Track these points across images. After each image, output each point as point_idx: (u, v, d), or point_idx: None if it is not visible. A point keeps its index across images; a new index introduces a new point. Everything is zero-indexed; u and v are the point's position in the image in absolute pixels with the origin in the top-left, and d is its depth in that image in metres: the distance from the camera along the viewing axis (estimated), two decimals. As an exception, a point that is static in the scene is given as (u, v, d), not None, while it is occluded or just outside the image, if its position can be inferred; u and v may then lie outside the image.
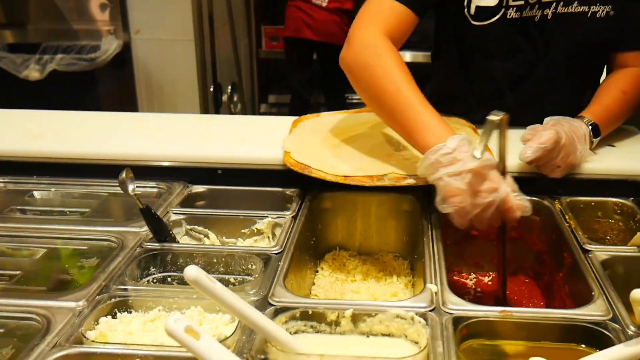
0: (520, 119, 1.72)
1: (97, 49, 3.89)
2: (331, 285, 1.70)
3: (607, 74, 2.05)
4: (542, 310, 1.35)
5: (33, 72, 3.81)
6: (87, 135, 2.06)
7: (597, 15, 1.90)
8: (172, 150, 1.95)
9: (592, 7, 1.89)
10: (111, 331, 1.26)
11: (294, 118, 2.11)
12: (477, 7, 1.90)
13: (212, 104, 4.32)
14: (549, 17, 1.91)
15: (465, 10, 1.92)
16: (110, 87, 4.08)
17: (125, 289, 1.35)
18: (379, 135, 1.91)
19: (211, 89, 4.28)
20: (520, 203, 1.45)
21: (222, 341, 1.14)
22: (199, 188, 1.85)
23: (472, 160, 1.42)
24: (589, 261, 1.48)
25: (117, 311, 1.31)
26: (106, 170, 1.84)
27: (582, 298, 1.36)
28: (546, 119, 1.78)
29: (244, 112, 4.71)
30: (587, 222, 1.73)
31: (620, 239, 1.72)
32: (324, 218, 1.81)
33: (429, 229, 1.62)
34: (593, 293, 1.34)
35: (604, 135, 1.87)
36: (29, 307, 1.28)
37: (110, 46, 3.92)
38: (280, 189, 1.84)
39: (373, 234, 1.84)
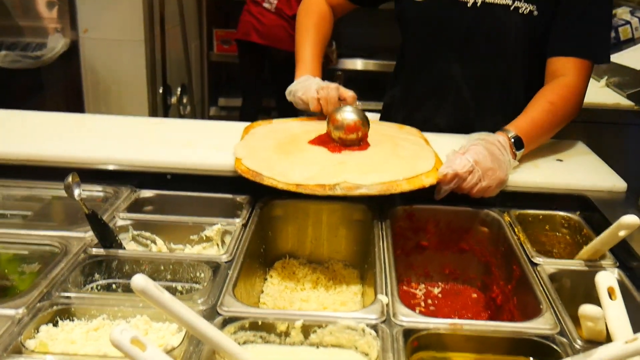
0: (444, 101, 2.21)
1: (44, 46, 3.80)
2: (280, 294, 1.68)
3: (545, 83, 2.11)
4: (491, 323, 1.35)
5: (-25, 68, 3.71)
6: (30, 136, 2.00)
7: (520, 11, 2.05)
8: (120, 153, 1.90)
9: (516, 2, 2.06)
10: (52, 340, 1.22)
11: (245, 124, 2.09)
12: None
13: (161, 106, 4.26)
14: (477, 5, 2.09)
15: None
16: (56, 86, 3.99)
17: (68, 296, 1.30)
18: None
19: (160, 91, 4.22)
20: (349, 92, 2.00)
21: (169, 352, 1.11)
22: (147, 193, 1.81)
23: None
24: (537, 274, 1.50)
25: (58, 319, 1.26)
26: (50, 172, 1.78)
27: (530, 311, 1.37)
28: (464, 141, 1.82)
29: (193, 114, 4.66)
30: (535, 235, 1.75)
31: (567, 252, 1.74)
32: (275, 226, 1.79)
33: (380, 239, 1.62)
34: (541, 306, 1.35)
35: (533, 147, 1.93)
36: (-36, 315, 1.23)
37: (57, 44, 3.84)
38: (230, 196, 1.81)
39: (324, 243, 1.82)
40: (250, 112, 4.89)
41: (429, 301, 1.75)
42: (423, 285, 1.81)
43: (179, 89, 4.42)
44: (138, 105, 4.14)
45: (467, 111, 2.19)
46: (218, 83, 5.72)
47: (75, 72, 4.03)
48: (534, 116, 1.94)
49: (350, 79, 5.19)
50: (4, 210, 1.78)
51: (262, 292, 1.68)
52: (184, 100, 4.50)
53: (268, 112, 5.16)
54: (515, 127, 1.89)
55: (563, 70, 2.03)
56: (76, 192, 1.44)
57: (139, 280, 1.01)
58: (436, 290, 1.79)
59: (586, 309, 1.16)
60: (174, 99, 4.35)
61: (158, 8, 4.09)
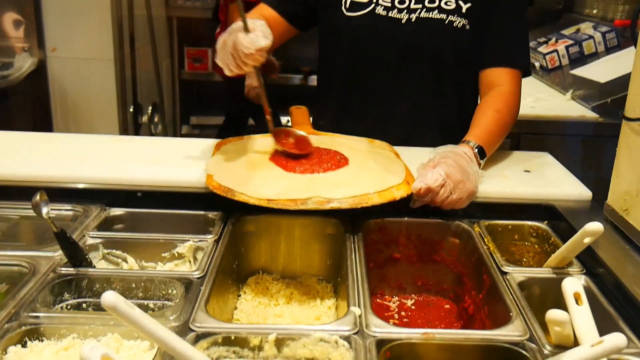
0: (385, 116, 2.21)
1: (10, 66, 3.76)
2: (254, 310, 1.67)
3: (480, 94, 2.21)
4: (462, 332, 1.37)
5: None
6: (-3, 155, 1.99)
7: (454, 25, 2.13)
8: (89, 171, 1.88)
9: (450, 16, 2.13)
10: (21, 362, 1.20)
11: (216, 140, 2.08)
12: (351, 1, 2.18)
13: (131, 125, 4.24)
14: (412, 20, 2.14)
15: (342, 6, 2.19)
16: (23, 105, 3.94)
17: (36, 316, 1.29)
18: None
19: (131, 110, 4.19)
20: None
21: (140, 370, 1.10)
22: (117, 211, 1.79)
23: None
24: (507, 283, 1.52)
25: (27, 340, 1.25)
26: (18, 192, 1.77)
27: (501, 319, 1.39)
28: (431, 153, 1.86)
29: (164, 133, 4.63)
30: (505, 245, 1.77)
31: (536, 260, 1.76)
32: (247, 241, 1.78)
33: (352, 252, 1.62)
34: (511, 314, 1.37)
35: (489, 155, 1.97)
36: None
37: (24, 64, 3.80)
38: (202, 212, 1.80)
39: (297, 258, 1.82)
40: (231, 132, 4.82)
41: (403, 313, 1.75)
42: (396, 298, 1.81)
43: (150, 108, 4.40)
44: (108, 125, 4.10)
45: (404, 126, 2.23)
46: (189, 101, 5.71)
47: (44, 91, 3.98)
48: (486, 124, 2.01)
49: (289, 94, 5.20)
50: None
51: (236, 308, 1.67)
52: (155, 119, 4.48)
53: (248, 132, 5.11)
54: (474, 136, 1.95)
55: (499, 80, 2.14)
56: (44, 210, 1.43)
57: (109, 297, 1.00)
58: (409, 302, 1.79)
59: (553, 314, 1.19)
60: (145, 118, 4.33)
61: (127, 26, 4.08)
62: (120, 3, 3.99)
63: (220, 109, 5.53)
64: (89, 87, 4.04)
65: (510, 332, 1.31)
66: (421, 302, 1.80)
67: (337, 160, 1.85)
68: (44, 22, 3.89)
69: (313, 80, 4.90)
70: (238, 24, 1.79)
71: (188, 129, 5.72)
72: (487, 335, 1.32)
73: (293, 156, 1.86)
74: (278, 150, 1.90)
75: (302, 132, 1.96)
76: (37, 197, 1.42)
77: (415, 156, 1.94)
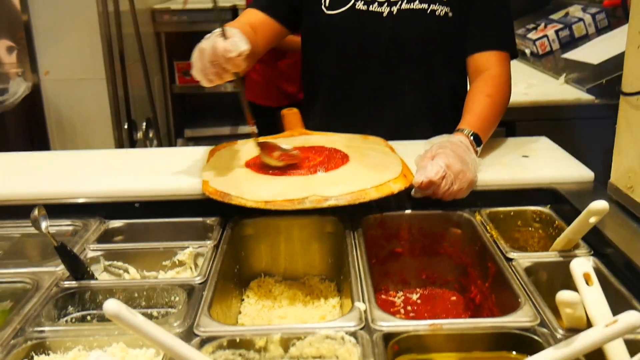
0: (375, 114, 2.20)
1: (5, 91, 3.77)
2: (258, 313, 1.67)
3: (469, 81, 2.21)
4: (470, 321, 1.35)
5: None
6: (-4, 176, 1.99)
7: (437, 14, 2.13)
8: (86, 186, 1.89)
9: (431, 5, 2.13)
10: (28, 376, 1.20)
11: (209, 148, 2.08)
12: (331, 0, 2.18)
13: (127, 142, 4.24)
14: (394, 13, 2.14)
15: (322, 4, 2.19)
16: (20, 129, 3.95)
17: (41, 331, 1.29)
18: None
19: (125, 126, 4.20)
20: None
21: (146, 377, 1.10)
22: (116, 223, 1.79)
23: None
24: (513, 269, 1.49)
25: (33, 354, 1.25)
26: (18, 210, 1.76)
27: (509, 306, 1.36)
28: (426, 145, 1.85)
29: (160, 147, 4.64)
30: (508, 232, 1.74)
31: (541, 245, 1.75)
32: (247, 245, 1.78)
33: (353, 248, 1.61)
34: (519, 300, 1.35)
35: (485, 141, 1.96)
36: (-63, 356, 1.21)
37: (18, 88, 3.81)
38: (200, 219, 1.80)
39: (297, 258, 1.81)
40: None
41: (409, 308, 1.74)
42: (401, 293, 1.80)
43: (144, 124, 4.40)
44: (105, 144, 4.10)
45: (395, 122, 2.23)
46: (183, 114, 5.71)
47: (39, 114, 3.99)
48: (479, 111, 2.00)
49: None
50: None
51: (240, 312, 1.67)
52: (150, 135, 4.48)
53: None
54: (468, 124, 1.94)
55: (487, 64, 2.14)
56: (43, 224, 1.43)
57: (112, 305, 1.00)
58: (415, 297, 1.79)
59: (563, 295, 1.15)
60: (139, 134, 4.33)
61: (117, 45, 4.09)
62: (108, 22, 4.00)
63: (214, 120, 5.55)
64: (83, 107, 4.05)
65: (520, 318, 1.29)
66: (426, 295, 1.79)
67: (339, 159, 1.85)
68: (36, 46, 3.91)
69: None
70: (214, 31, 1.75)
71: (183, 142, 5.73)
72: (496, 322, 1.30)
73: (280, 168, 1.82)
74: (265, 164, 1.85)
75: (286, 146, 1.91)
76: (36, 212, 1.43)
77: (409, 150, 1.93)
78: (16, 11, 3.84)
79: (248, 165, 1.84)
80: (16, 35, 3.91)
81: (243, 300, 1.72)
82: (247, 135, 1.97)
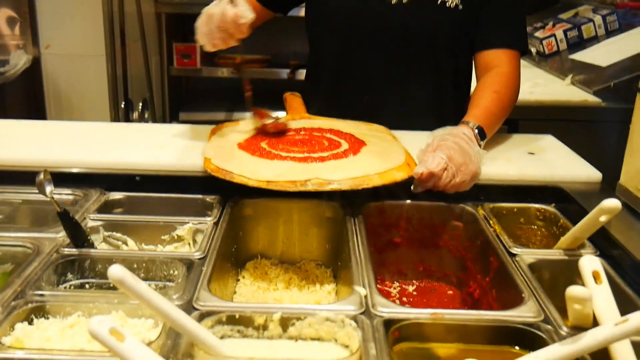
0: (377, 103, 2.19)
1: (6, 63, 3.77)
2: (253, 294, 1.66)
3: (477, 77, 2.19)
4: (473, 312, 1.33)
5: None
6: (-2, 141, 1.99)
7: (447, 5, 2.11)
8: (88, 156, 1.89)
9: None
10: (28, 338, 1.19)
11: (211, 126, 2.07)
12: None
13: (123, 121, 4.23)
14: (404, 2, 2.13)
15: None
16: (18, 101, 3.94)
17: (42, 295, 1.28)
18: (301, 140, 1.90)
19: (122, 105, 4.19)
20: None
21: (147, 345, 1.09)
22: (116, 195, 1.79)
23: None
24: (517, 264, 1.48)
25: (33, 317, 1.24)
26: (18, 176, 1.77)
27: (511, 301, 1.35)
28: (429, 137, 1.82)
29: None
30: (510, 229, 1.72)
31: (543, 244, 1.72)
32: (245, 225, 1.78)
33: (354, 235, 1.60)
34: (523, 295, 1.33)
35: (490, 136, 1.95)
36: (-62, 313, 1.20)
37: (19, 60, 3.81)
38: (200, 196, 1.80)
39: (295, 242, 1.81)
40: None
41: (404, 299, 1.74)
42: (397, 284, 1.80)
43: (140, 104, 4.39)
44: (100, 120, 4.10)
45: (397, 113, 2.21)
46: (178, 97, 5.68)
47: (38, 87, 3.99)
48: (485, 105, 1.99)
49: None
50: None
51: (235, 292, 1.67)
52: (146, 115, 4.47)
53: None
54: (473, 117, 1.92)
55: (497, 61, 2.12)
56: (48, 189, 1.43)
57: (117, 270, 1.00)
58: (411, 288, 1.78)
59: (574, 290, 1.12)
60: (135, 114, 4.32)
61: (118, 23, 4.08)
62: (110, 0, 3.99)
63: (209, 105, 5.53)
64: (81, 82, 4.05)
65: (523, 313, 1.27)
66: (423, 288, 1.78)
67: (355, 146, 1.85)
68: (38, 20, 3.91)
69: (301, 74, 4.87)
70: None
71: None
72: (499, 316, 1.29)
73: (272, 134, 1.90)
74: (257, 128, 1.95)
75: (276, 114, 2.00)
76: (41, 176, 1.42)
77: (412, 140, 1.93)
78: (21, -15, 3.85)
79: (241, 147, 1.84)
80: (20, 9, 3.91)
81: (239, 280, 1.72)
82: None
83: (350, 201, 1.74)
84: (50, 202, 1.45)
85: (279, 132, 1.92)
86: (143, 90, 4.57)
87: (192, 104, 5.67)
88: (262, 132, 1.92)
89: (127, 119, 4.24)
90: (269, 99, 5.24)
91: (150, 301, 1.04)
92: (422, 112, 2.22)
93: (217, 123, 2.11)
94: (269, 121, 1.93)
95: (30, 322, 1.23)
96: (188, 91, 5.81)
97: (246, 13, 1.77)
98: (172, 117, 5.51)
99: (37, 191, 1.46)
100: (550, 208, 1.79)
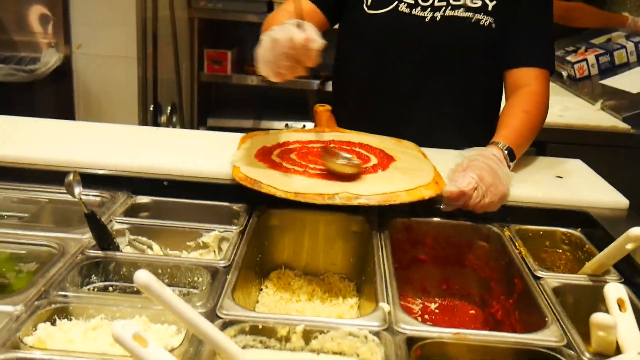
0: (406, 118, 2.17)
1: (37, 60, 3.81)
2: (276, 304, 1.65)
3: (506, 95, 2.18)
4: (496, 334, 1.32)
5: (-30, 80, 3.70)
6: (27, 140, 2.00)
7: (480, 24, 2.10)
8: (116, 159, 1.89)
9: (476, 14, 2.10)
10: (50, 339, 1.19)
11: (240, 134, 2.07)
12: (373, 0, 2.15)
13: (151, 124, 4.26)
14: (437, 19, 2.11)
15: (364, 3, 2.16)
16: (48, 100, 3.98)
17: (65, 296, 1.28)
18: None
19: (151, 109, 4.22)
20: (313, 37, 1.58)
21: (169, 352, 1.09)
22: (143, 199, 1.79)
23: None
24: (541, 288, 1.47)
25: (56, 318, 1.24)
26: (47, 175, 1.77)
27: (534, 324, 1.34)
28: (458, 157, 1.82)
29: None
30: (535, 251, 1.71)
31: (568, 268, 1.71)
32: (271, 235, 1.77)
33: (379, 250, 1.59)
34: (546, 319, 1.33)
35: (518, 157, 1.93)
36: (-38, 309, 1.21)
37: (50, 59, 3.85)
38: (226, 204, 1.79)
39: (320, 254, 1.80)
40: None
41: (426, 316, 1.73)
42: (419, 300, 1.78)
43: (169, 108, 4.42)
44: (128, 122, 4.12)
45: (425, 130, 2.20)
46: (207, 103, 5.71)
47: (68, 87, 4.04)
48: (515, 125, 1.97)
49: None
50: (0, 212, 1.75)
51: (258, 302, 1.66)
52: (174, 119, 4.50)
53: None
54: (503, 137, 1.92)
55: (527, 80, 2.11)
56: (76, 190, 1.43)
57: (143, 275, 0.99)
58: (433, 306, 1.77)
59: (599, 317, 1.13)
60: (164, 118, 4.35)
61: (151, 27, 4.10)
62: (145, 4, 4.02)
63: (237, 112, 5.56)
64: (112, 84, 4.08)
65: (546, 337, 1.26)
66: (445, 306, 1.77)
67: (384, 161, 1.84)
68: (71, 19, 3.94)
69: (331, 85, 4.92)
70: (287, 22, 1.63)
71: (205, 130, 5.74)
72: (521, 338, 1.28)
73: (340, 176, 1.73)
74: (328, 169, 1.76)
75: (348, 155, 1.83)
76: (70, 177, 1.42)
77: (440, 157, 1.93)
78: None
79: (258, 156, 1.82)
80: (54, 8, 3.95)
81: (261, 290, 1.71)
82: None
83: (376, 216, 1.73)
84: (78, 203, 1.45)
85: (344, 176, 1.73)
86: (172, 95, 4.59)
87: (221, 111, 5.69)
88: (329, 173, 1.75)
89: (155, 122, 4.26)
90: (299, 110, 5.26)
91: (174, 308, 1.03)
92: (450, 128, 2.21)
93: (244, 131, 2.11)
94: (340, 161, 1.75)
95: (53, 323, 1.23)
96: (217, 97, 5.83)
97: (318, 38, 1.58)
98: (199, 122, 5.54)
99: (63, 191, 1.46)
100: (576, 232, 1.78)
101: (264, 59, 1.65)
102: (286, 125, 5.32)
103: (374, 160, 1.84)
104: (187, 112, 5.12)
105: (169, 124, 4.44)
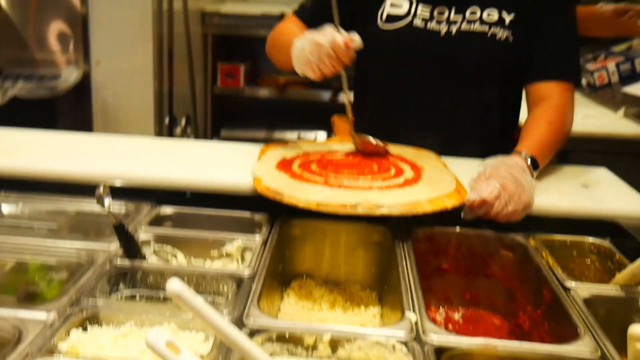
0: (423, 132, 2.18)
1: (58, 77, 3.85)
2: (298, 313, 1.66)
3: (528, 108, 2.15)
4: (527, 345, 1.29)
5: (-6, 98, 3.74)
6: (55, 153, 2.03)
7: (497, 38, 2.09)
8: (141, 171, 1.91)
9: (493, 28, 2.09)
10: (81, 344, 1.21)
11: (256, 145, 2.09)
12: (388, 15, 2.17)
13: (166, 136, 4.30)
14: (452, 34, 2.11)
15: (379, 19, 2.18)
16: (68, 113, 4.02)
17: (96, 303, 1.30)
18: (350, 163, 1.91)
19: (166, 121, 4.26)
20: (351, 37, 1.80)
21: (200, 359, 1.10)
22: (166, 209, 1.81)
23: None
24: (571, 298, 1.44)
25: (88, 324, 1.26)
26: (75, 188, 1.80)
27: (565, 336, 1.32)
28: (480, 166, 1.81)
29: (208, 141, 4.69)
30: (563, 261, 1.66)
31: (597, 279, 1.69)
32: (293, 244, 1.78)
33: (403, 259, 1.59)
34: (578, 330, 1.30)
35: (542, 167, 1.92)
36: (-1, 317, 1.23)
37: (70, 75, 3.89)
38: (248, 214, 1.81)
39: (341, 264, 1.81)
40: None
41: (450, 326, 1.72)
42: (443, 310, 1.77)
43: (184, 120, 4.46)
44: (145, 135, 4.17)
45: (442, 141, 2.19)
46: (220, 115, 5.75)
47: (87, 101, 4.07)
48: (538, 135, 1.96)
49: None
50: (30, 223, 1.79)
51: (279, 310, 1.67)
52: (188, 131, 4.53)
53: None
54: (526, 147, 1.91)
55: (550, 93, 2.08)
56: (106, 202, 1.45)
57: (175, 284, 1.00)
58: (456, 316, 1.76)
59: (637, 329, 1.09)
60: (179, 130, 4.39)
61: (167, 43, 4.17)
62: (161, 21, 4.08)
63: (250, 124, 5.60)
64: (128, 97, 4.12)
65: (579, 348, 1.24)
66: (469, 316, 1.75)
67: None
68: (91, 37, 3.99)
69: (342, 97, 4.93)
70: (325, 28, 1.84)
71: (219, 141, 5.77)
72: (554, 350, 1.25)
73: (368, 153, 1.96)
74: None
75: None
76: (101, 190, 1.45)
77: (460, 167, 1.93)
78: (75, 5, 3.93)
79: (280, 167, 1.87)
80: (74, 27, 3.99)
81: (283, 298, 1.72)
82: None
83: (398, 225, 1.74)
84: (104, 214, 1.47)
85: (372, 153, 1.98)
86: (187, 107, 4.64)
87: (234, 122, 5.74)
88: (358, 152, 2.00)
89: (171, 134, 4.31)
90: (311, 121, 5.27)
91: (206, 316, 1.04)
92: (466, 141, 2.21)
93: (257, 141, 2.12)
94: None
95: (85, 329, 1.25)
96: (230, 109, 5.87)
97: (356, 38, 1.81)
98: (213, 133, 5.58)
99: (90, 202, 1.49)
100: (605, 242, 1.74)
101: (305, 59, 1.85)
102: (299, 136, 5.36)
103: (408, 171, 1.87)
104: (201, 123, 5.17)
105: (183, 135, 4.48)
